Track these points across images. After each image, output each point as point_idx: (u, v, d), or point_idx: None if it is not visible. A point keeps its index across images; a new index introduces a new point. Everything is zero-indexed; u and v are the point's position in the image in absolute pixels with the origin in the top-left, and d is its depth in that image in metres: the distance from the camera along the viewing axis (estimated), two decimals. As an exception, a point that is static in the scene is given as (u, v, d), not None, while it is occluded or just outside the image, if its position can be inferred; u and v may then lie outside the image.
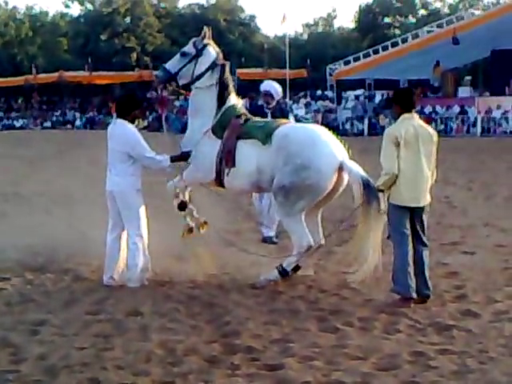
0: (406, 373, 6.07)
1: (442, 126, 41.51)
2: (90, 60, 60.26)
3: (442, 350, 6.57)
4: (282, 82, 49.61)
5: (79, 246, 9.96)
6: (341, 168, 8.61)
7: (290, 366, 6.18)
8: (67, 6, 79.11)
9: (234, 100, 9.34)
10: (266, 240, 11.32)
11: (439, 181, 19.19)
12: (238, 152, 8.92)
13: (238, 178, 8.98)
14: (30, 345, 6.76)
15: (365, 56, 49.56)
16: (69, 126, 58.02)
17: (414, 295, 8.01)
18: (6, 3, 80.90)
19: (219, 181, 9.12)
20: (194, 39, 9.42)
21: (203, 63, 9.22)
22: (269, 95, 11.78)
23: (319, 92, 53.00)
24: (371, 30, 71.43)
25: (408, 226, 8.08)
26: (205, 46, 9.31)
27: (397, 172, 7.92)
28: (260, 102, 12.26)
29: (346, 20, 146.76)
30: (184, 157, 9.11)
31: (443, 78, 44.51)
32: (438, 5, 77.04)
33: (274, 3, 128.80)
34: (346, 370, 6.10)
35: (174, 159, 9.00)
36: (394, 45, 48.88)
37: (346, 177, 8.69)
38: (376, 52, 49.01)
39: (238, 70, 58.63)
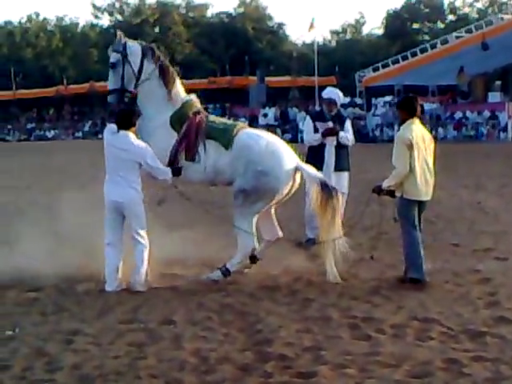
0: (439, 380, 6.04)
1: (473, 132, 41.31)
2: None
3: (476, 356, 6.52)
4: (310, 89, 49.83)
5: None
6: (295, 172, 9.41)
7: (322, 374, 6.18)
8: (97, 17, 79.87)
9: (184, 95, 9.66)
10: (309, 242, 11.35)
11: (471, 186, 19.15)
12: (199, 149, 9.35)
13: (196, 173, 9.44)
14: (65, 354, 6.82)
15: (393, 62, 49.42)
16: (100, 136, 58.37)
17: (427, 279, 9.02)
18: (37, 15, 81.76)
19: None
20: (110, 47, 9.64)
21: (135, 58, 9.46)
22: (332, 102, 11.83)
23: (348, 99, 52.97)
24: (399, 36, 71.21)
25: (416, 217, 9.05)
26: (124, 44, 9.51)
27: (408, 171, 8.83)
28: (318, 108, 12.36)
29: (374, 26, 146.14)
30: (179, 171, 9.30)
31: (472, 83, 44.28)
32: (467, 10, 76.84)
33: (303, 11, 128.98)
34: (379, 378, 6.09)
35: (173, 172, 9.22)
36: (423, 51, 48.71)
37: (297, 179, 9.48)
38: (405, 58, 48.85)
39: (267, 78, 58.97)
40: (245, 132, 9.66)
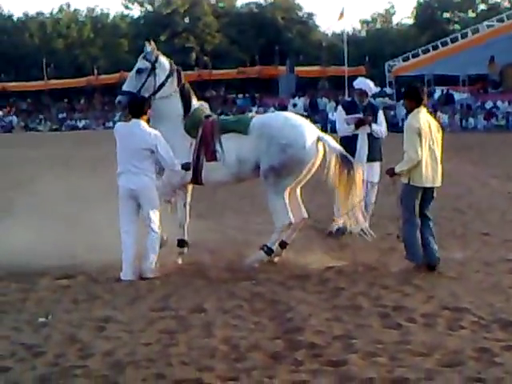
0: (471, 369, 6.02)
1: (504, 122, 40.96)
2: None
3: (507, 346, 6.49)
4: (340, 79, 49.73)
5: (142, 243, 10.07)
6: (317, 142, 9.60)
7: (353, 362, 6.18)
8: (127, 8, 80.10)
9: (196, 102, 9.92)
10: (338, 231, 11.35)
11: (501, 176, 19.02)
12: (217, 148, 9.54)
13: (221, 171, 9.63)
14: (97, 341, 6.89)
15: (424, 52, 49.10)
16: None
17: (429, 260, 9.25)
18: (69, 5, 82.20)
19: (195, 178, 9.67)
20: (143, 54, 9.81)
21: (161, 73, 9.72)
22: (363, 92, 11.86)
23: (378, 89, 52.73)
24: (430, 26, 70.70)
25: (417, 204, 9.24)
26: (157, 57, 9.76)
27: (421, 158, 9.00)
28: (350, 99, 12.39)
29: (405, 16, 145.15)
30: (188, 165, 9.40)
31: (503, 72, 43.91)
32: (498, -1, 76.00)
33: (332, 1, 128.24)
34: (410, 367, 6.08)
35: (182, 166, 9.31)
36: (454, 40, 48.34)
37: (321, 149, 9.62)
38: (435, 48, 48.51)
39: (297, 68, 58.85)
40: (258, 116, 10.19)
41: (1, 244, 10.16)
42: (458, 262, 9.57)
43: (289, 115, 10.17)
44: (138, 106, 9.23)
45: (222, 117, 10.67)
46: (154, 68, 9.65)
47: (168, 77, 9.71)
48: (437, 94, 46.94)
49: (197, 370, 6.12)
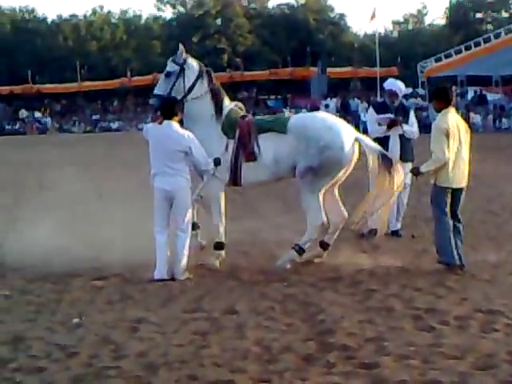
0: (504, 372, 5.97)
1: (539, 122, 40.64)
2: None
3: (541, 349, 6.44)
4: (372, 80, 49.55)
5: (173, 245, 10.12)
6: (355, 143, 9.70)
7: (385, 365, 6.17)
8: (160, 10, 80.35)
9: (229, 103, 9.95)
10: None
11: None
12: (255, 148, 9.59)
13: (258, 170, 9.67)
14: (130, 342, 6.94)
15: (456, 52, 48.80)
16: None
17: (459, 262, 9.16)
18: (102, 8, 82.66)
19: (234, 179, 9.70)
20: (171, 58, 9.91)
21: (191, 75, 9.78)
22: (393, 93, 11.85)
23: (410, 89, 52.42)
24: (463, 26, 70.20)
25: (448, 205, 9.21)
26: (185, 59, 9.81)
27: (447, 159, 9.02)
28: (381, 100, 12.38)
29: (437, 16, 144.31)
30: (219, 161, 9.40)
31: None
32: (532, -1, 75.28)
33: (364, 2, 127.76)
34: (443, 369, 6.05)
35: (214, 162, 9.36)
36: (487, 40, 47.98)
37: (357, 150, 9.71)
38: (468, 48, 48.19)
39: (328, 69, 58.71)
40: (296, 116, 10.21)
41: (35, 245, 10.29)
42: (491, 264, 9.51)
43: (326, 116, 10.25)
44: (169, 108, 9.29)
45: (257, 117, 10.80)
46: (182, 70, 9.71)
47: (197, 78, 9.77)
48: (469, 95, 46.62)
49: (229, 372, 6.14)
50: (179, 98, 9.63)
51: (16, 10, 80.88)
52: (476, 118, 41.39)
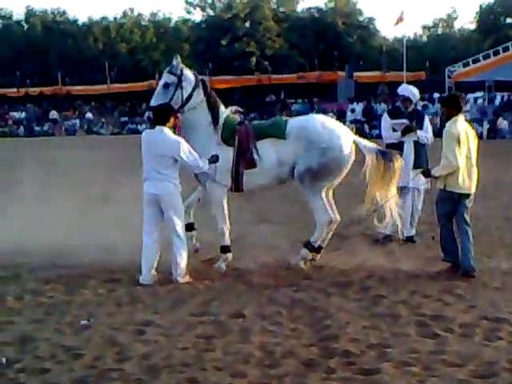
0: (504, 381, 5.99)
1: None
2: (210, 65, 61.34)
3: (544, 358, 6.42)
4: (399, 84, 49.11)
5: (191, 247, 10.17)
6: (353, 144, 9.93)
7: (385, 371, 6.19)
8: (189, 12, 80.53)
9: (224, 110, 10.07)
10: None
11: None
12: (255, 155, 9.73)
13: (261, 175, 9.85)
14: (135, 344, 7.01)
15: (484, 57, 48.58)
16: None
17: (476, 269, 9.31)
18: (132, 10, 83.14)
19: (235, 185, 9.87)
20: (168, 69, 9.97)
21: (188, 86, 9.84)
22: (407, 99, 11.82)
23: (437, 94, 52.22)
24: (493, 31, 69.53)
25: (453, 210, 9.38)
26: (182, 70, 9.89)
27: (459, 165, 9.14)
28: (397, 104, 12.35)
29: (467, 21, 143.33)
30: (216, 158, 9.49)
31: None
32: None
33: (394, 6, 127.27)
34: (443, 377, 6.07)
35: (209, 161, 9.44)
36: (515, 46, 47.72)
37: (354, 152, 9.91)
38: (496, 53, 47.97)
39: (356, 73, 58.64)
40: (293, 119, 10.28)
41: (51, 246, 10.42)
42: (502, 271, 9.48)
43: (324, 119, 10.33)
44: (162, 114, 9.33)
45: (255, 122, 11.01)
46: (180, 81, 9.78)
47: (194, 88, 9.84)
48: (497, 100, 46.32)
49: (229, 376, 6.20)
50: (176, 108, 9.68)
51: (47, 12, 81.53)
52: (504, 123, 41.09)
